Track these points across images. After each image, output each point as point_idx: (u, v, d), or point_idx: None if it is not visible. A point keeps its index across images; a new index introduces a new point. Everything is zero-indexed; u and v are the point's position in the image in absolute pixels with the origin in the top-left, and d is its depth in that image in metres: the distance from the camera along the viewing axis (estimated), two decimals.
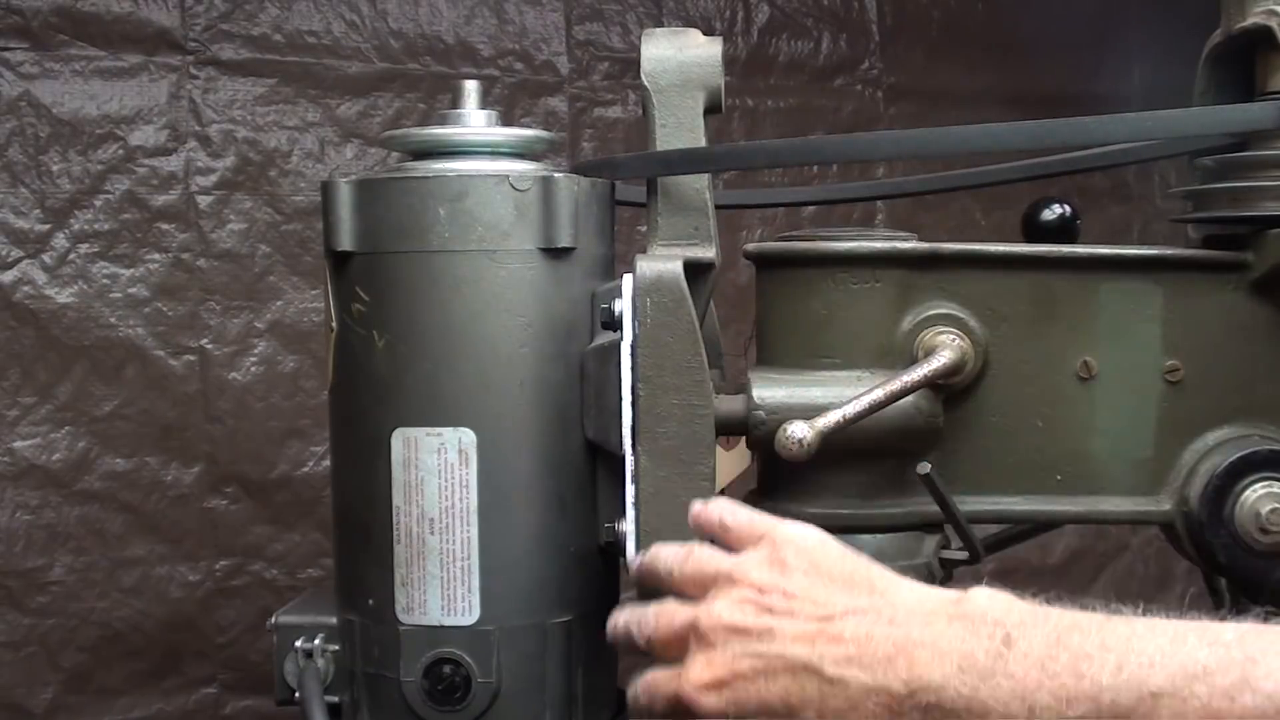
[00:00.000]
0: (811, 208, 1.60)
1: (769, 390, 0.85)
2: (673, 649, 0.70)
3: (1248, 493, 0.84)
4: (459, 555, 0.82)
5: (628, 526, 0.79)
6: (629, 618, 0.73)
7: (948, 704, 0.60)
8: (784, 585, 0.67)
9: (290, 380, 1.59)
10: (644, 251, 0.84)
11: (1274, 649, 0.56)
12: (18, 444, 1.48)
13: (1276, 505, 0.84)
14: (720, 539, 0.73)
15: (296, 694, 0.86)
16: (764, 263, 0.90)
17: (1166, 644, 0.58)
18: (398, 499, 0.82)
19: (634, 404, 0.79)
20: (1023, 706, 0.58)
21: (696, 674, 0.67)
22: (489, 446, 0.82)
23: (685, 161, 0.85)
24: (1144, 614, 0.61)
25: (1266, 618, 0.61)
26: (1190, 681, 0.56)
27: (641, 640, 0.72)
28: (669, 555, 0.73)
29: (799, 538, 0.69)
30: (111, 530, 1.51)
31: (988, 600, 0.63)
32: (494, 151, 0.86)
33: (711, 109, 0.86)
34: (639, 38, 0.86)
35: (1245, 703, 0.55)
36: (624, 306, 0.80)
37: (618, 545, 0.82)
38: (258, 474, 1.57)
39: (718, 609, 0.68)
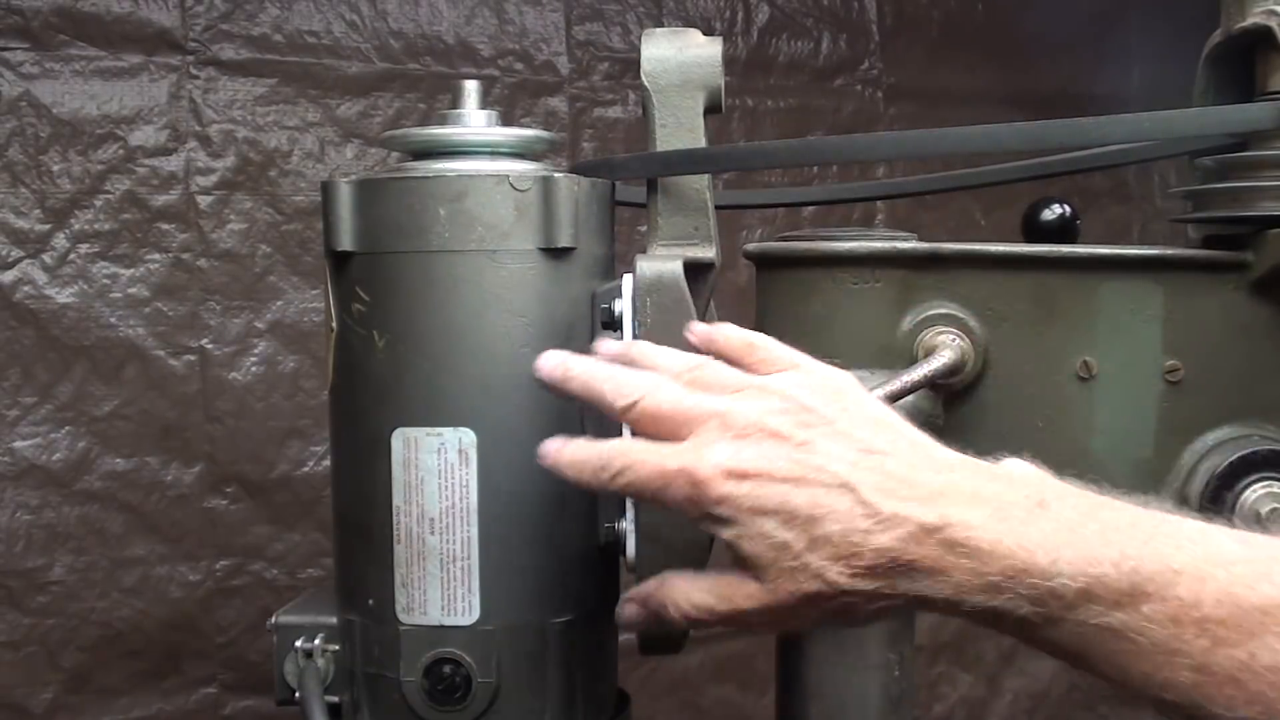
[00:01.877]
0: (811, 208, 1.60)
1: None
2: (664, 427, 0.65)
3: (1248, 493, 0.84)
4: (459, 555, 0.82)
5: (628, 526, 0.79)
6: (592, 369, 0.68)
7: (972, 542, 0.59)
8: (827, 407, 0.64)
9: (290, 380, 1.59)
10: (644, 251, 0.84)
11: None
12: (18, 444, 1.48)
13: (1276, 505, 0.84)
14: (740, 360, 0.68)
15: (296, 694, 0.86)
16: (764, 263, 0.91)
17: (1195, 532, 0.59)
18: (398, 499, 0.83)
19: None
20: (1047, 557, 0.58)
21: (721, 457, 0.62)
22: (489, 446, 0.82)
23: (685, 162, 0.85)
24: None
25: None
26: (1213, 565, 0.57)
27: (618, 403, 0.66)
28: (668, 357, 0.68)
29: (838, 375, 0.67)
30: (111, 530, 1.51)
31: (1024, 468, 0.65)
32: (494, 151, 0.86)
33: (711, 109, 0.86)
34: (639, 38, 0.86)
35: (1265, 591, 0.55)
36: (624, 306, 0.80)
37: (618, 545, 0.82)
38: (258, 474, 1.57)
39: (755, 409, 0.63)
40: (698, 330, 0.71)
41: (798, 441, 0.63)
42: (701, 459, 0.63)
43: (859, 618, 0.64)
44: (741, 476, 0.62)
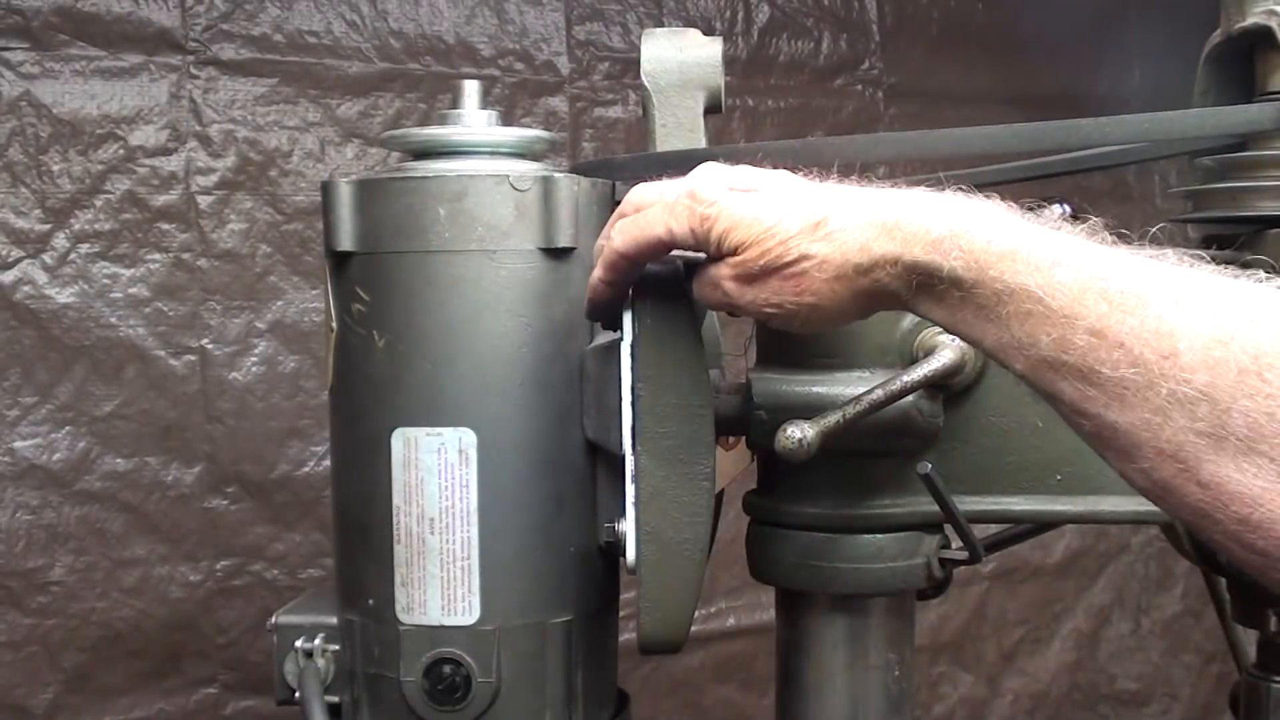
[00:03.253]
0: None
1: (769, 390, 0.85)
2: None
3: None
4: (459, 555, 0.82)
5: (628, 526, 0.79)
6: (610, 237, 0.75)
7: (925, 221, 0.65)
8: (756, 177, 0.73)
9: (290, 380, 1.59)
10: None
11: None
12: (18, 444, 1.48)
13: None
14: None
15: (296, 694, 0.86)
16: None
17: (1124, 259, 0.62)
18: (398, 499, 0.83)
19: (634, 404, 0.79)
20: (984, 230, 0.63)
21: (709, 175, 0.72)
22: (489, 446, 0.82)
23: (685, 162, 0.85)
24: None
25: None
26: (1120, 264, 0.61)
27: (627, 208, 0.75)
28: (642, 188, 0.75)
29: (777, 172, 0.74)
30: (112, 530, 1.51)
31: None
32: (494, 151, 0.86)
33: (711, 109, 0.86)
34: (639, 38, 0.86)
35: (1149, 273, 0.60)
36: (624, 306, 0.80)
37: (618, 545, 0.82)
38: (258, 474, 1.57)
39: (735, 170, 0.73)
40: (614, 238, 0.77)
41: (778, 179, 0.72)
42: (698, 179, 0.72)
43: (841, 309, 0.70)
44: (730, 188, 0.71)
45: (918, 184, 0.69)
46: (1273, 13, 0.85)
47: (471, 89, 0.88)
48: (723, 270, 0.71)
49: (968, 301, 0.63)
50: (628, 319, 0.79)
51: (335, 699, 0.86)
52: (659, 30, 0.86)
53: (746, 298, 0.71)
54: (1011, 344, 0.62)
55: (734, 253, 0.70)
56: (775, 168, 0.75)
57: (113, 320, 1.51)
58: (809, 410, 0.80)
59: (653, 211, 0.73)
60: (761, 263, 0.69)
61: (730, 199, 0.71)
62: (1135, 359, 0.57)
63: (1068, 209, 0.95)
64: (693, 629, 0.81)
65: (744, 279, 0.71)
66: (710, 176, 0.73)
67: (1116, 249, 0.63)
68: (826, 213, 0.68)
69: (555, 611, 0.84)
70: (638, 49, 0.86)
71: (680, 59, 0.85)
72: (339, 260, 0.84)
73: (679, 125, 0.85)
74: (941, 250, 0.64)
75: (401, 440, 0.82)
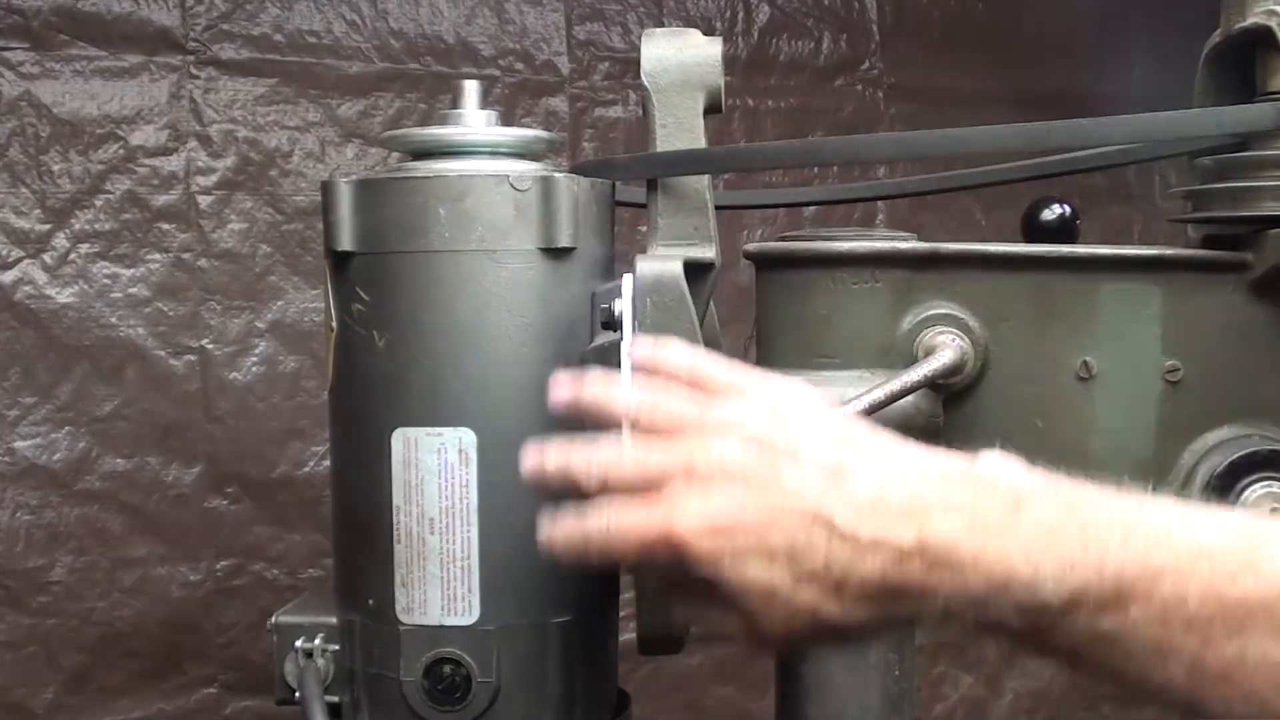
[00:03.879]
0: (812, 208, 1.60)
1: None
2: (638, 490, 0.64)
3: (1248, 493, 0.84)
4: (459, 555, 0.82)
5: None
6: (565, 456, 0.66)
7: (955, 559, 0.58)
8: (787, 435, 0.63)
9: (291, 380, 1.59)
10: (644, 251, 0.84)
11: (1278, 536, 0.56)
12: (18, 444, 1.48)
13: (1276, 505, 0.84)
14: (688, 387, 0.67)
15: (296, 694, 0.86)
16: (764, 263, 0.91)
17: (1175, 522, 0.58)
18: (398, 499, 0.83)
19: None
20: (1028, 566, 0.57)
21: (693, 516, 0.61)
22: (489, 446, 0.82)
23: (685, 162, 0.85)
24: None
25: None
26: (1194, 559, 0.56)
27: (594, 480, 0.65)
28: (629, 397, 0.67)
29: (787, 392, 0.65)
30: (112, 530, 1.51)
31: (1000, 466, 0.62)
32: (494, 151, 0.86)
33: (711, 109, 0.86)
34: (639, 38, 0.86)
35: (1247, 583, 0.55)
36: (624, 306, 0.80)
37: None
38: (258, 474, 1.57)
39: (719, 451, 0.62)
40: (638, 355, 0.70)
41: (762, 480, 0.61)
42: (675, 520, 0.62)
43: (858, 639, 0.65)
44: (716, 531, 0.61)
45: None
46: (1273, 13, 0.85)
47: (471, 89, 0.88)
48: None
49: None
50: (628, 319, 0.79)
51: (335, 699, 0.86)
52: (659, 30, 0.86)
53: None
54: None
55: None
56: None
57: (113, 320, 1.51)
58: None
59: (628, 536, 0.63)
60: (775, 634, 0.63)
61: (722, 551, 0.61)
62: None
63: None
64: (693, 629, 0.81)
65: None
66: (690, 506, 0.61)
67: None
68: (844, 567, 0.60)
69: (555, 611, 0.84)
70: (638, 49, 0.85)
71: (680, 59, 0.85)
72: (339, 260, 0.84)
73: (679, 125, 0.85)
74: None
75: (401, 440, 0.82)
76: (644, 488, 0.64)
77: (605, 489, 0.65)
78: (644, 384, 0.68)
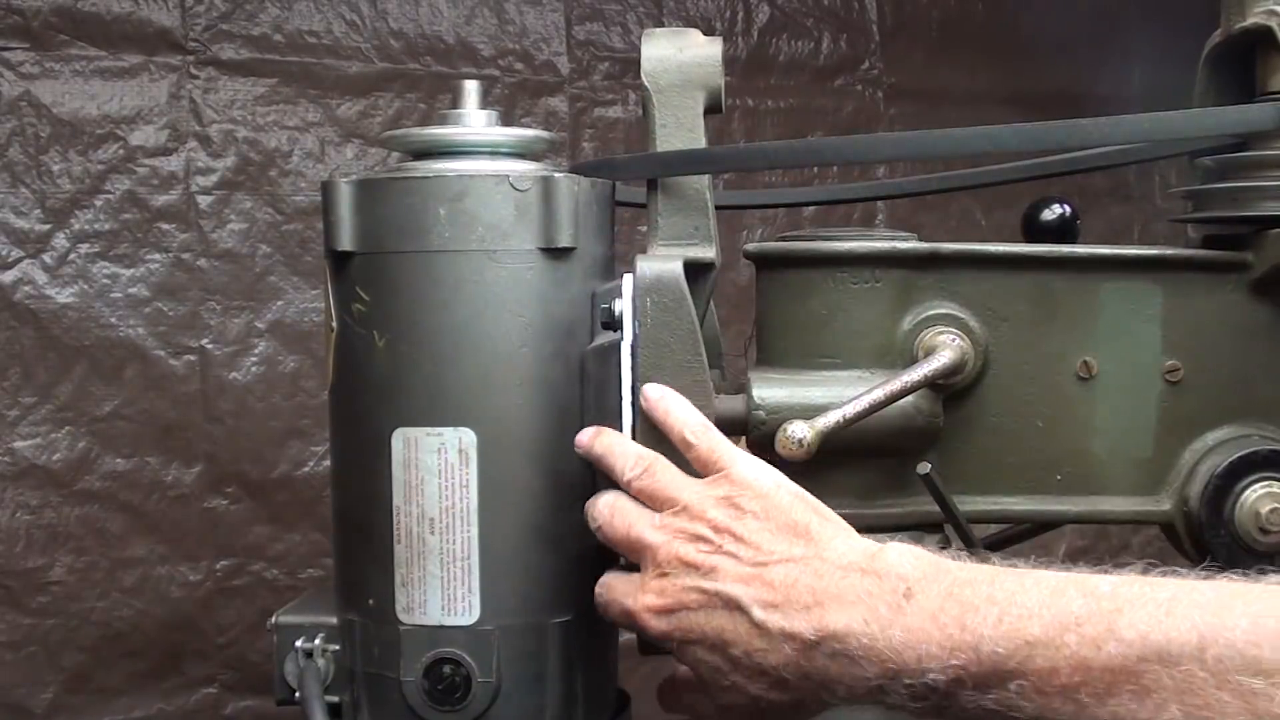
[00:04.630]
0: (812, 208, 1.60)
1: (769, 390, 0.85)
2: (621, 550, 0.76)
3: (1248, 493, 0.84)
4: (459, 555, 0.82)
5: None
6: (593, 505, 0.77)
7: (850, 652, 0.65)
8: (734, 528, 0.71)
9: (290, 380, 1.59)
10: (644, 251, 0.84)
11: (1141, 599, 0.60)
12: (18, 444, 1.48)
13: (1276, 505, 0.84)
14: (681, 450, 0.76)
15: (296, 694, 0.86)
16: (764, 263, 0.91)
17: (1047, 596, 0.62)
18: (398, 499, 0.83)
19: (634, 404, 0.79)
20: (914, 655, 0.63)
21: (648, 599, 0.72)
22: (489, 446, 0.82)
23: (685, 162, 0.85)
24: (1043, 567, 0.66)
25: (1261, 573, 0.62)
26: (1063, 631, 0.60)
27: (592, 524, 0.77)
28: (624, 459, 0.76)
29: (756, 482, 0.72)
30: (112, 530, 1.51)
31: (897, 556, 0.68)
32: (494, 151, 0.86)
33: (711, 109, 0.86)
34: (639, 38, 0.86)
35: (1110, 651, 0.59)
36: (624, 306, 0.80)
37: None
38: (258, 474, 1.57)
39: (675, 546, 0.72)
40: (650, 396, 0.78)
41: (706, 569, 0.71)
42: (637, 603, 0.73)
43: (796, 718, 0.72)
44: (667, 612, 0.72)
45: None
46: (1273, 13, 0.85)
47: (471, 89, 0.88)
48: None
49: None
50: (628, 319, 0.79)
51: (335, 699, 0.86)
52: (659, 30, 0.86)
53: None
54: None
55: None
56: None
57: (113, 320, 1.51)
58: (809, 410, 0.80)
59: (611, 607, 0.76)
60: (728, 708, 0.72)
61: (673, 632, 0.72)
62: None
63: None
64: None
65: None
66: (650, 589, 0.73)
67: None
68: (760, 656, 0.69)
69: (555, 611, 0.84)
70: (638, 49, 0.85)
71: (680, 59, 0.85)
72: (339, 260, 0.84)
73: (679, 125, 0.85)
74: None
75: (402, 440, 0.82)
76: (627, 552, 0.75)
77: (597, 533, 0.77)
78: (646, 434, 0.78)
